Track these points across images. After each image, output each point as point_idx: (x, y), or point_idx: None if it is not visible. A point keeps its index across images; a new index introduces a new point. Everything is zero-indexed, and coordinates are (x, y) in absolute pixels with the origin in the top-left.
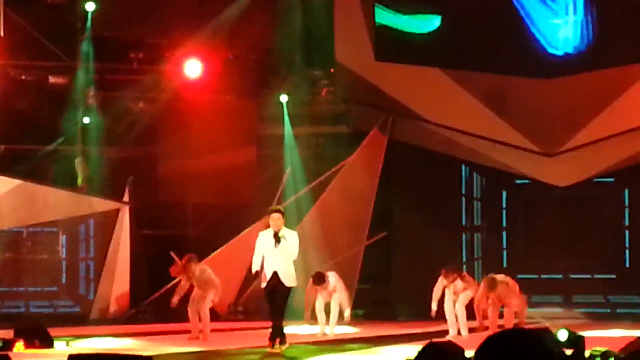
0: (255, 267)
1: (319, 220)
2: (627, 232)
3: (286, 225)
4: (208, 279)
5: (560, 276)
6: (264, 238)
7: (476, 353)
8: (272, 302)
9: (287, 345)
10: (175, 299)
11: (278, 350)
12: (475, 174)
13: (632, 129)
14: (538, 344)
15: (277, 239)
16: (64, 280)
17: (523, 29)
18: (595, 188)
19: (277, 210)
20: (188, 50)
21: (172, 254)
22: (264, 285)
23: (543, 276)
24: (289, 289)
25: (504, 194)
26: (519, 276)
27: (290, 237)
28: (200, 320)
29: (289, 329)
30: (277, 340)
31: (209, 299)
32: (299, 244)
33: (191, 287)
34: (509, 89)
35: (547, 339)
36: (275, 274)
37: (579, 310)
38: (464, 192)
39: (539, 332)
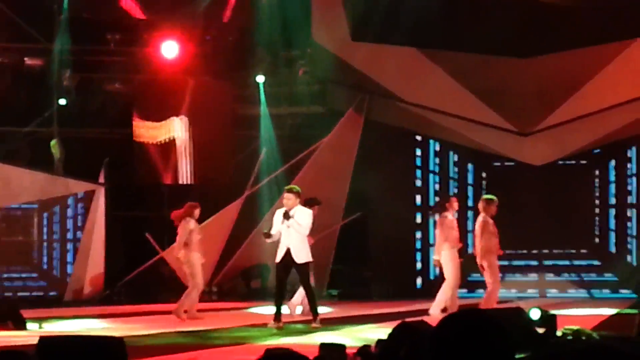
0: (273, 232)
1: None
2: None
3: (260, 206)
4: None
5: (536, 262)
6: (277, 215)
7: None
8: (281, 279)
9: (318, 322)
10: (176, 251)
11: (318, 326)
12: (451, 153)
13: (607, 107)
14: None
15: (286, 216)
16: (38, 261)
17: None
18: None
19: (289, 190)
20: (165, 31)
21: (148, 235)
22: (278, 260)
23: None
24: (305, 264)
25: (482, 173)
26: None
27: (301, 215)
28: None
29: (260, 309)
30: (313, 317)
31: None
32: (310, 222)
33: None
34: (485, 68)
35: (513, 319)
36: (288, 250)
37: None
38: (437, 171)
39: (506, 312)
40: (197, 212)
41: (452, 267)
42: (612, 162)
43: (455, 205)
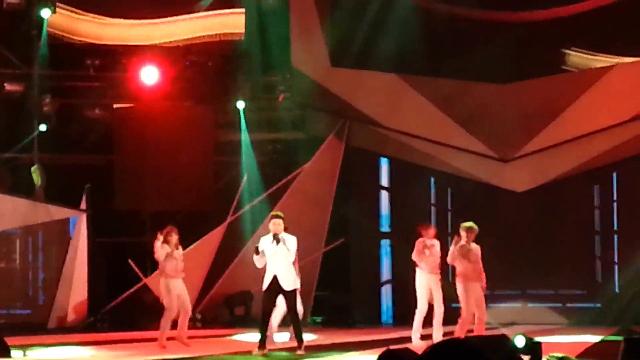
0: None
1: None
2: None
3: (243, 232)
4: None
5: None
6: (265, 242)
7: None
8: (268, 306)
9: (303, 349)
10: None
11: (302, 354)
12: (430, 179)
13: (587, 133)
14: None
15: (276, 239)
16: (21, 288)
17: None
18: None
19: (278, 216)
20: (144, 57)
21: (130, 262)
22: (265, 287)
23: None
24: (293, 291)
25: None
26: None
27: (289, 240)
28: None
29: (244, 336)
30: (298, 344)
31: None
32: (296, 248)
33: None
34: (465, 94)
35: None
36: (274, 277)
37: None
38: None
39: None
40: (173, 237)
41: (420, 293)
42: (596, 188)
43: (431, 232)
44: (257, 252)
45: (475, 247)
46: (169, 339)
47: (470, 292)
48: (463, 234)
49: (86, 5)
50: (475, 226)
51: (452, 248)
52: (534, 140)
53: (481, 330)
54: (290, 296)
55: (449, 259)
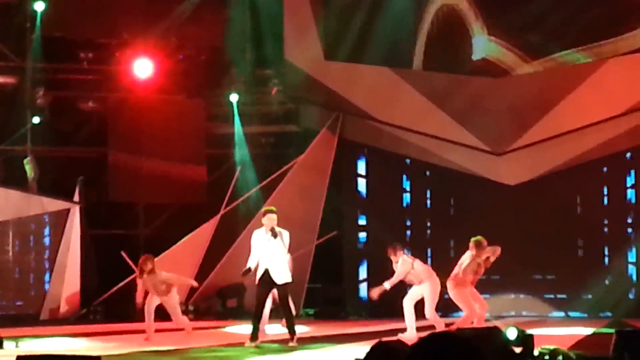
0: (250, 264)
1: None
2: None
3: (236, 224)
4: (165, 280)
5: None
6: (259, 236)
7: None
8: (261, 298)
9: (295, 341)
10: (139, 299)
11: (295, 346)
12: (424, 171)
13: (580, 127)
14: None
15: (274, 233)
16: (14, 280)
17: None
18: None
19: (272, 211)
20: (138, 50)
21: (123, 254)
22: (257, 279)
23: (492, 277)
24: (285, 285)
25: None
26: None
27: (285, 234)
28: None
29: (236, 328)
30: (290, 336)
31: (175, 299)
32: (288, 242)
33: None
34: (458, 88)
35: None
36: (266, 271)
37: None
38: (409, 189)
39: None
40: (148, 265)
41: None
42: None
43: (399, 253)
44: (246, 273)
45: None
46: (142, 331)
47: (467, 292)
48: (474, 249)
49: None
50: (483, 240)
51: (466, 264)
52: (527, 134)
53: (482, 321)
54: (282, 290)
55: (460, 274)
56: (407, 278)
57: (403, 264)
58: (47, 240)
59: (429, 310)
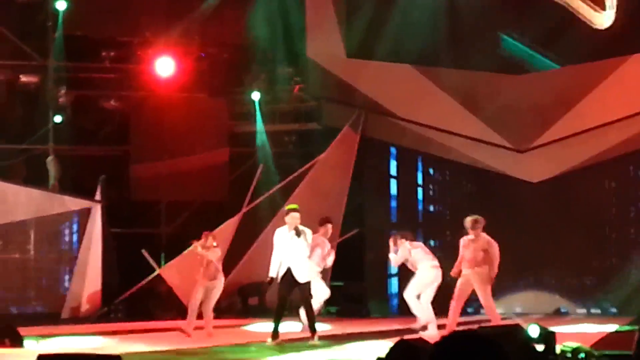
0: (272, 273)
1: None
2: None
3: (258, 223)
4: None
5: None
6: (281, 234)
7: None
8: (283, 296)
9: (316, 339)
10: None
11: (317, 343)
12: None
13: (603, 124)
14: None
15: (297, 232)
16: (35, 279)
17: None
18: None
19: (296, 210)
20: (160, 49)
21: (144, 252)
22: (279, 279)
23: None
24: (307, 283)
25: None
26: None
27: (307, 233)
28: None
29: (258, 327)
30: (311, 334)
31: (219, 289)
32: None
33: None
34: (481, 85)
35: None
36: (289, 269)
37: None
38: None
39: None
40: (208, 239)
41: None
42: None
43: (399, 242)
44: (271, 282)
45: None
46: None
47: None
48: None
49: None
50: (481, 218)
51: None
52: (550, 131)
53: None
54: (304, 288)
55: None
56: (409, 264)
57: (402, 250)
58: (68, 239)
59: (409, 291)
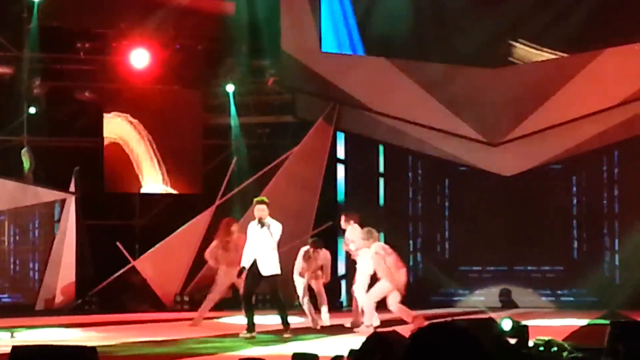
0: (243, 263)
1: None
2: (574, 222)
3: (231, 215)
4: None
5: (505, 268)
6: (251, 227)
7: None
8: (249, 288)
9: (289, 332)
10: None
11: (289, 335)
12: (419, 162)
13: (576, 118)
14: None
15: (261, 223)
16: (9, 270)
17: None
18: (542, 176)
19: (262, 202)
20: (135, 40)
21: (119, 244)
22: (246, 271)
23: (488, 268)
24: (273, 276)
25: (447, 182)
26: (461, 268)
27: (275, 226)
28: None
29: (232, 319)
30: (284, 328)
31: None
32: (279, 234)
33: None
34: (454, 78)
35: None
36: (254, 262)
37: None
38: (409, 180)
39: (477, 323)
40: (232, 227)
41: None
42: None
43: (351, 221)
44: (242, 271)
45: None
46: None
47: None
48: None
49: None
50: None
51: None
52: (523, 125)
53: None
54: (270, 281)
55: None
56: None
57: (352, 230)
58: (41, 231)
59: (357, 285)
